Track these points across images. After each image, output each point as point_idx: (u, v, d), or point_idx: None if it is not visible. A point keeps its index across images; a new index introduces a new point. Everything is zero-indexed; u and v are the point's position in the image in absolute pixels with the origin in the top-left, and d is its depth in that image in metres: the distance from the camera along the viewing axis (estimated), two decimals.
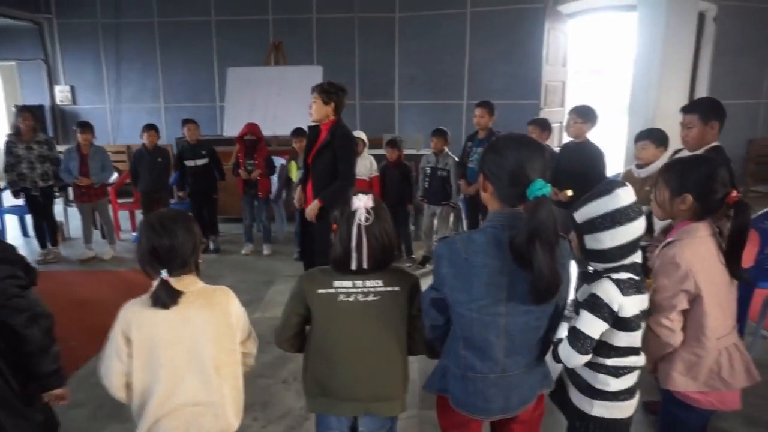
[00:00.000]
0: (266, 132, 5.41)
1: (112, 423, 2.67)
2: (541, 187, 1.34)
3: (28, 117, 5.03)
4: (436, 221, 4.96)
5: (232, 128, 6.53)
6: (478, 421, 1.60)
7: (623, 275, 1.54)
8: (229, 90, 7.11)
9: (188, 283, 1.56)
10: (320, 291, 1.61)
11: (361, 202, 1.57)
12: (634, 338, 1.58)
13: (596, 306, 1.52)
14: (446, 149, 4.87)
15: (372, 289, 1.61)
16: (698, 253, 1.70)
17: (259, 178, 5.29)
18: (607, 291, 1.52)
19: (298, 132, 5.14)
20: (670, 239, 1.77)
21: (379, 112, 8.14)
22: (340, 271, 1.61)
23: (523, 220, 1.37)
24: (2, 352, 1.56)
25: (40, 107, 8.53)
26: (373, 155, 5.32)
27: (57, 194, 5.73)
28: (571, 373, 1.68)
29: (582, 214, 1.55)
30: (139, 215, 6.01)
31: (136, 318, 1.53)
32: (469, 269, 1.43)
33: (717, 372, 1.74)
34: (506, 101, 7.18)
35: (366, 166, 5.25)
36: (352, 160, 3.48)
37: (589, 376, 1.63)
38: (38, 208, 5.19)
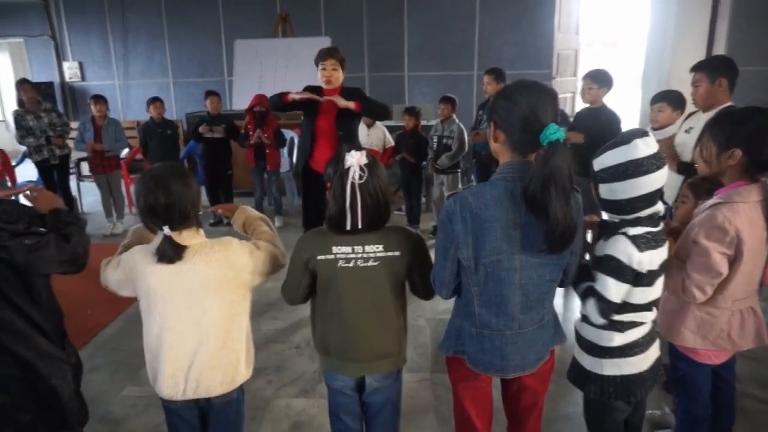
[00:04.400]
0: None
1: (129, 385, 2.73)
2: (555, 131, 1.29)
3: (28, 88, 5.09)
4: (444, 190, 4.94)
5: (240, 101, 6.50)
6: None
7: (639, 230, 1.48)
8: (237, 62, 7.07)
9: (187, 237, 1.54)
10: (320, 257, 1.58)
11: (354, 159, 1.50)
12: (649, 293, 1.54)
13: (618, 269, 1.47)
14: (454, 117, 4.82)
15: (372, 255, 1.57)
16: (748, 218, 1.61)
17: (267, 150, 5.28)
18: (625, 250, 1.46)
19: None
20: (716, 200, 1.66)
21: (389, 84, 8.02)
22: (335, 231, 1.57)
23: (536, 168, 1.32)
24: (33, 302, 1.59)
25: (50, 84, 8.53)
26: (386, 127, 5.29)
27: (72, 169, 5.77)
28: (578, 338, 1.67)
29: (599, 162, 1.50)
30: None
31: (137, 266, 1.56)
32: (481, 224, 1.39)
33: (727, 332, 1.73)
34: (517, 71, 7.04)
35: (379, 137, 5.22)
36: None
37: (594, 335, 1.60)
38: (52, 181, 5.25)
